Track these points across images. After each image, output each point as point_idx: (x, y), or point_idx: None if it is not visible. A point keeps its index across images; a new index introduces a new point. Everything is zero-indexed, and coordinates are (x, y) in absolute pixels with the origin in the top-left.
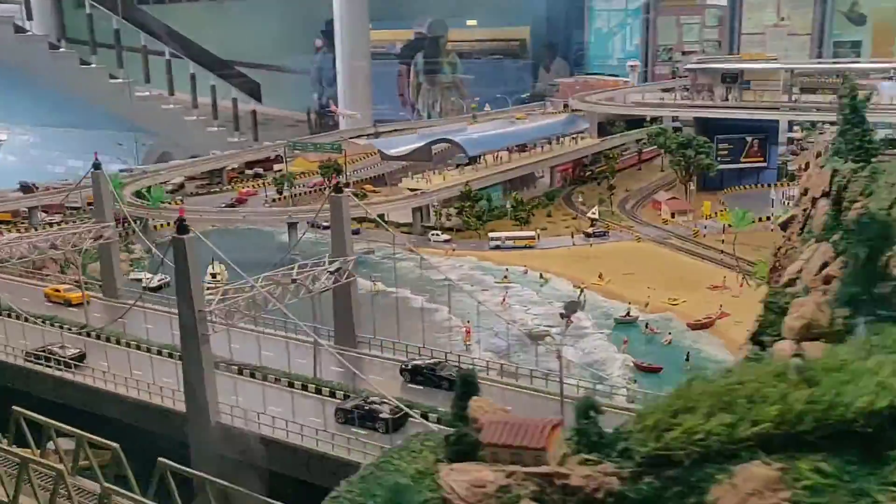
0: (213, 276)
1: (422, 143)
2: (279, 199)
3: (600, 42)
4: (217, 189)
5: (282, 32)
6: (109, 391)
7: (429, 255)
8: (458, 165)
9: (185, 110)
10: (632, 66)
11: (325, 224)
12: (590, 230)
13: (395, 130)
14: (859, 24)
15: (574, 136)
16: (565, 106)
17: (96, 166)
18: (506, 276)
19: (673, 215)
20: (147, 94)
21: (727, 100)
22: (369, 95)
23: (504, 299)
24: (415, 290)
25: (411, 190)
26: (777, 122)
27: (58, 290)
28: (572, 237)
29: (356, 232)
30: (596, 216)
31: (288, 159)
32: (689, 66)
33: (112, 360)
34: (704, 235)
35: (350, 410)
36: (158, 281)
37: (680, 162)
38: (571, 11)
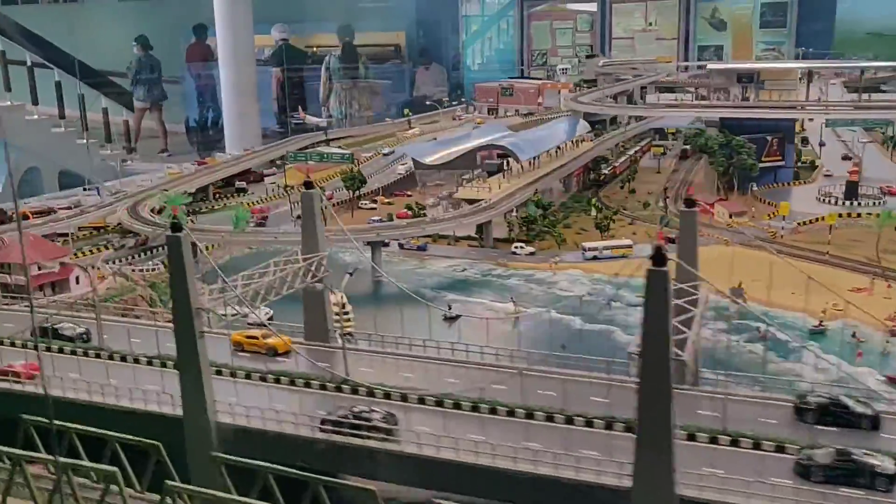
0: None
1: (462, 149)
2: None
3: (476, 47)
4: (207, 208)
5: (152, 39)
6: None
7: (530, 270)
8: (489, 173)
9: (52, 122)
10: (563, 69)
11: (404, 243)
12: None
13: (350, 137)
14: (720, 29)
15: (580, 138)
16: (490, 111)
17: (308, 185)
18: None
19: (730, 216)
20: (7, 104)
21: (746, 99)
22: (256, 103)
23: None
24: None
25: (468, 200)
26: (793, 121)
27: (253, 337)
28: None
29: (422, 248)
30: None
31: (267, 171)
32: (709, 66)
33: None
34: (782, 236)
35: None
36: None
37: (723, 163)
38: (445, 17)
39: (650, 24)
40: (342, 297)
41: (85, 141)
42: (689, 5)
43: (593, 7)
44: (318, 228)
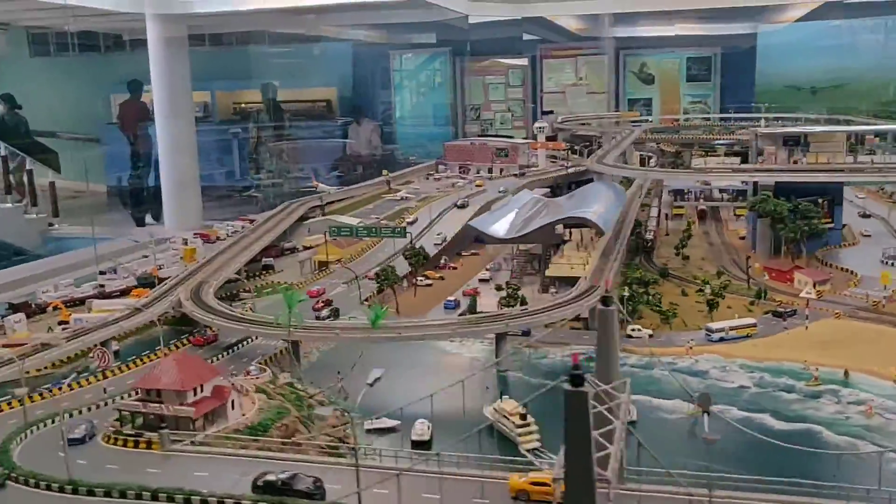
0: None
1: (542, 222)
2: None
3: (408, 102)
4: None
5: (78, 97)
6: None
7: (663, 356)
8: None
9: None
10: (540, 127)
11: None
12: (779, 309)
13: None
14: (649, 83)
15: None
16: (461, 169)
17: (605, 300)
18: (816, 378)
19: (815, 285)
20: None
21: (795, 162)
22: (195, 163)
23: (870, 407)
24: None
25: (560, 278)
26: (842, 184)
27: (542, 484)
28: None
29: (526, 333)
30: (812, 295)
31: (294, 248)
32: (757, 131)
33: None
34: (884, 305)
35: None
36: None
37: (795, 228)
38: (376, 72)
39: (580, 78)
40: (519, 406)
41: (9, 205)
42: (618, 60)
43: (524, 62)
44: (615, 351)
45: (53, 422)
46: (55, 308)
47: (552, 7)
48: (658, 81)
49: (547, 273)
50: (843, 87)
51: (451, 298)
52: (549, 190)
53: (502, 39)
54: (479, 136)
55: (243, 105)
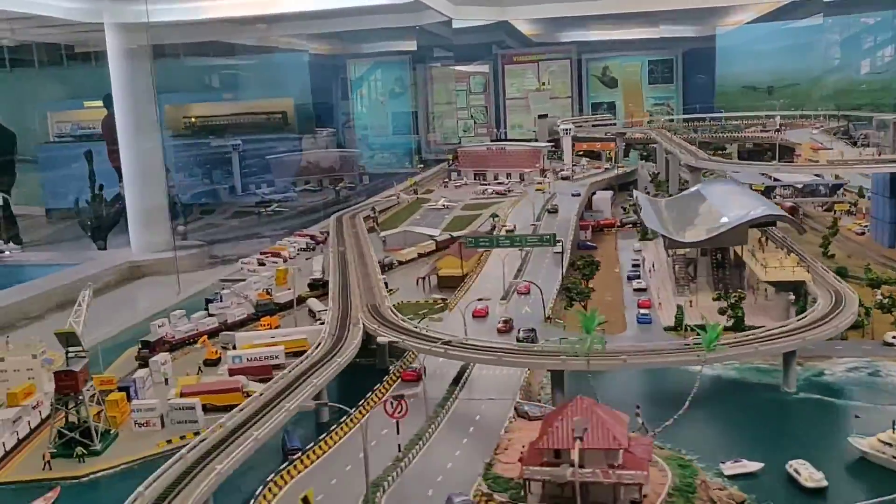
0: None
1: (734, 222)
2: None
3: (372, 111)
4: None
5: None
6: None
7: None
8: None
9: None
10: (565, 129)
11: None
12: None
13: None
14: (612, 86)
15: None
16: (476, 175)
17: None
18: None
19: None
20: None
21: None
22: (162, 181)
23: None
24: None
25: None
26: None
27: None
28: None
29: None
30: None
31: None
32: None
33: None
34: None
35: None
36: None
37: None
38: (335, 82)
39: (543, 83)
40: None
41: None
42: (580, 65)
43: (485, 68)
44: None
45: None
46: (187, 343)
47: (525, 10)
48: (621, 85)
49: (765, 278)
50: (798, 87)
51: (644, 312)
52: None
53: (463, 46)
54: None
55: (194, 119)
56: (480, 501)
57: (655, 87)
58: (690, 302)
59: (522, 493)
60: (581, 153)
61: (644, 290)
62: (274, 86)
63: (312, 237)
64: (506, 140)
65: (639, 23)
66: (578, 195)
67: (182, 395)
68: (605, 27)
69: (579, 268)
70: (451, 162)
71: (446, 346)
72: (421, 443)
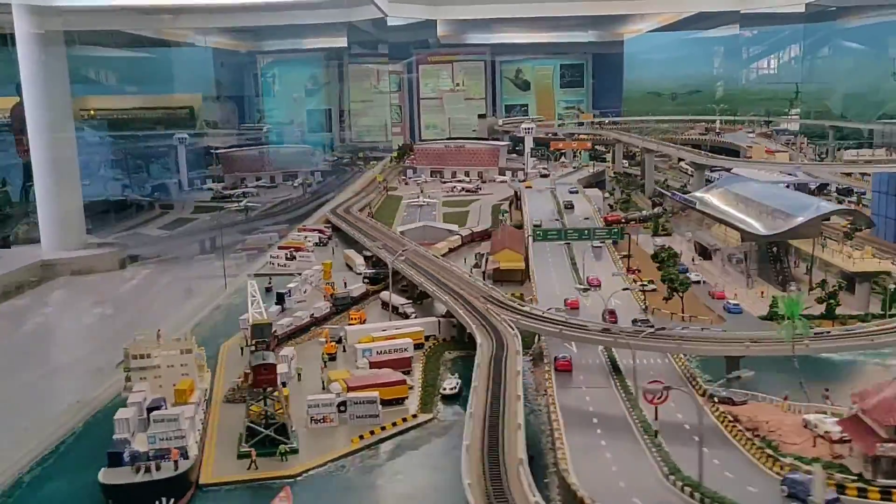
0: None
1: (808, 214)
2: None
3: (283, 108)
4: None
5: None
6: None
7: None
8: None
9: None
10: (527, 128)
11: None
12: None
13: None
14: (525, 89)
15: None
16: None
17: None
18: None
19: None
20: None
21: None
22: (76, 176)
23: None
24: None
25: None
26: None
27: None
28: None
29: None
30: None
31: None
32: None
33: None
34: None
35: None
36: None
37: None
38: (246, 78)
39: (457, 84)
40: None
41: None
42: (493, 67)
43: (400, 67)
44: None
45: None
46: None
47: (457, 10)
48: (533, 87)
49: (852, 269)
50: (700, 93)
51: (733, 302)
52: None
53: (379, 44)
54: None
55: (93, 112)
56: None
57: (567, 91)
58: (762, 293)
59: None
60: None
61: (698, 282)
62: (181, 81)
63: (321, 231)
64: (458, 138)
65: (549, 27)
66: (576, 192)
67: (350, 389)
68: (517, 30)
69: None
70: (395, 160)
71: (642, 337)
72: None
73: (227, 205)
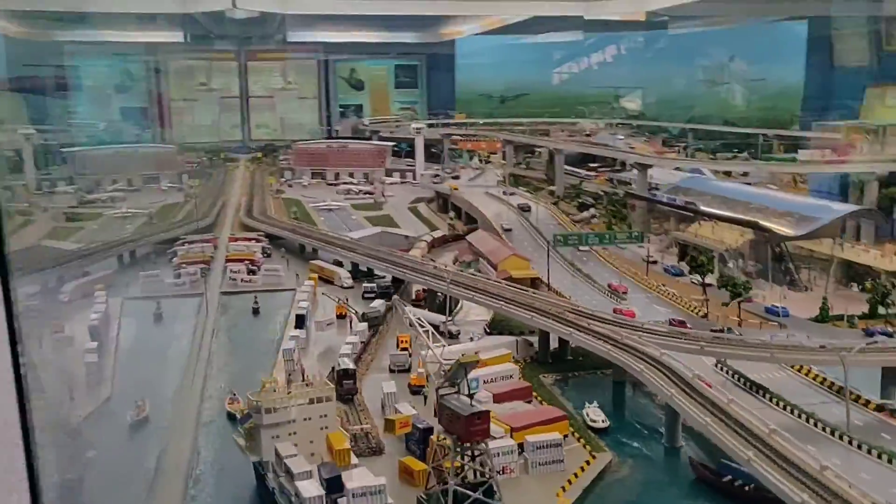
0: None
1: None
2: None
3: (89, 106)
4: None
5: None
6: None
7: None
8: None
9: None
10: (417, 128)
11: None
12: None
13: None
14: (359, 89)
15: None
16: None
17: None
18: None
19: None
20: None
21: None
22: None
23: None
24: None
25: None
26: None
27: None
28: None
29: None
30: None
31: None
32: None
33: None
34: None
35: None
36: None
37: None
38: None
39: (289, 83)
40: None
41: None
42: (326, 66)
43: (233, 65)
44: None
45: None
46: None
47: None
48: (368, 87)
49: (892, 268)
50: (527, 96)
51: (779, 304)
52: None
53: (207, 38)
54: None
55: None
56: None
57: (402, 91)
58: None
59: None
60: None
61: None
62: None
63: (256, 240)
64: (340, 138)
65: (380, 27)
66: (512, 193)
67: (514, 430)
68: (350, 29)
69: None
70: (258, 161)
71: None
72: None
73: (105, 211)
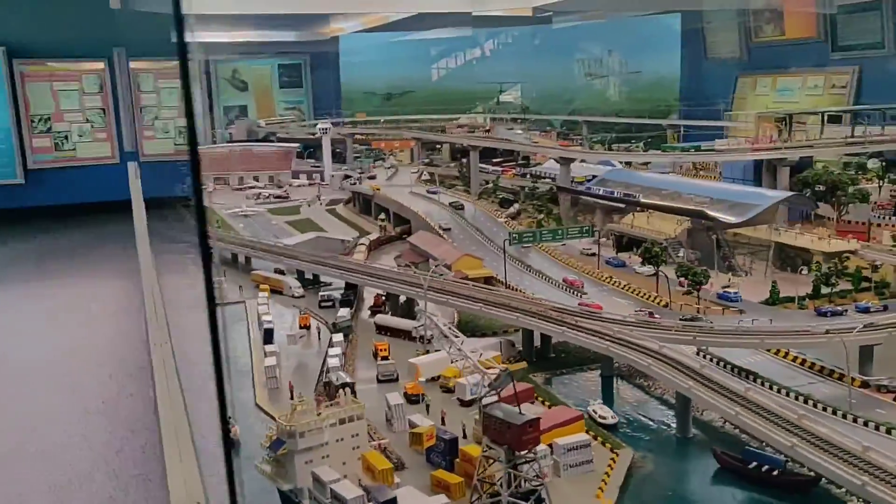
0: None
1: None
2: None
3: None
4: None
5: None
6: None
7: None
8: None
9: None
10: (323, 128)
11: None
12: None
13: None
14: (243, 89)
15: None
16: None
17: None
18: None
19: None
20: None
21: None
22: None
23: None
24: None
25: None
26: None
27: None
28: None
29: None
30: None
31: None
32: None
33: None
34: None
35: None
36: None
37: None
38: None
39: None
40: None
41: None
42: (208, 67)
43: (101, 65)
44: None
45: None
46: None
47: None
48: (252, 88)
49: None
50: (413, 93)
51: (733, 290)
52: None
53: (71, 40)
54: None
55: None
56: None
57: (286, 91)
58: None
59: None
60: None
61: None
62: None
63: None
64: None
65: (260, 25)
66: (436, 192)
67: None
68: (229, 28)
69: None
70: None
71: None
72: None
73: None
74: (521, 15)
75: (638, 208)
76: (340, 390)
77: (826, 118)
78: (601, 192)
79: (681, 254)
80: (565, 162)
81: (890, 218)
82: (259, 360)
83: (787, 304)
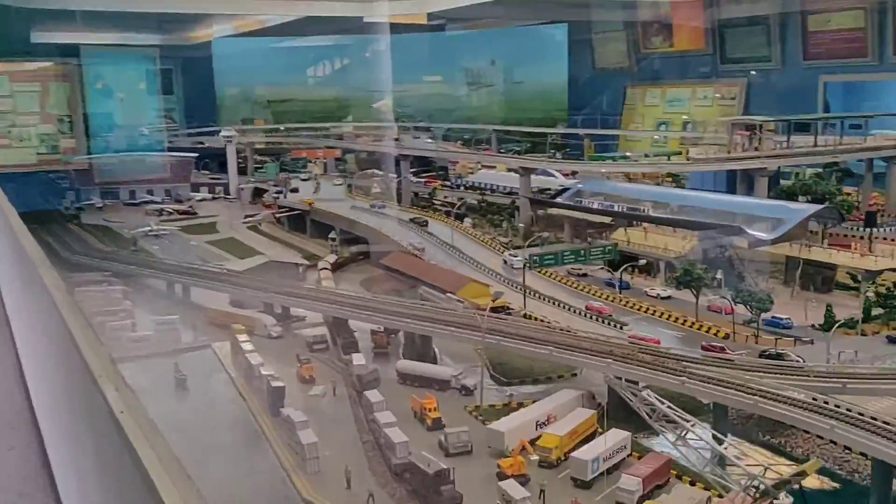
0: None
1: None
2: None
3: None
4: None
5: None
6: None
7: None
8: None
9: None
10: (227, 137)
11: None
12: None
13: None
14: (110, 96)
15: None
16: None
17: None
18: None
19: None
20: None
21: None
22: None
23: None
24: None
25: None
26: None
27: None
28: None
29: None
30: None
31: None
32: None
33: None
34: None
35: None
36: None
37: None
38: None
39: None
40: None
41: None
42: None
43: None
44: None
45: None
46: None
47: None
48: (119, 94)
49: None
50: (293, 101)
51: (782, 316)
52: None
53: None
54: None
55: None
56: None
57: (158, 98)
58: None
59: None
60: None
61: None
62: None
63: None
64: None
65: (124, 26)
66: (383, 206)
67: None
68: (91, 30)
69: None
70: None
71: None
72: None
73: None
74: (415, 23)
75: (630, 222)
76: None
77: (793, 127)
78: (596, 206)
79: (718, 275)
80: (525, 172)
81: (884, 230)
82: (270, 430)
83: (848, 331)
